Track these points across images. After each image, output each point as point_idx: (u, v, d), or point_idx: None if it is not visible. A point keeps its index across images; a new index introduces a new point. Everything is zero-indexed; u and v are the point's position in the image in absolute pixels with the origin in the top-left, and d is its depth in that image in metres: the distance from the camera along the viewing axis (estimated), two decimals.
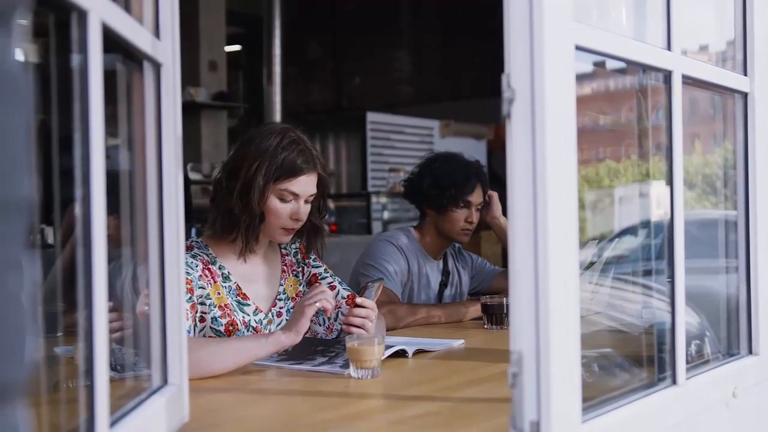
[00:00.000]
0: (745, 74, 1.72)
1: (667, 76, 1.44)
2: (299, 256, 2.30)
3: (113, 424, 1.04)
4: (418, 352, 2.09)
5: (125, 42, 1.12)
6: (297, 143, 2.08)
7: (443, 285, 3.02)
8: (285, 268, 2.26)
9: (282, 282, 2.23)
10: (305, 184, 2.09)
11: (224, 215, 2.09)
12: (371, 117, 7.88)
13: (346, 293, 2.27)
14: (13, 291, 0.52)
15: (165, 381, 1.31)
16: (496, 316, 2.56)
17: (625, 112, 1.90)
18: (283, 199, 2.08)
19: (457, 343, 2.26)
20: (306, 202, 2.11)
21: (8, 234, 0.51)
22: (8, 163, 0.51)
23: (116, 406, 1.09)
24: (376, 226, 7.18)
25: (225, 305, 2.07)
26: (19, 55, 0.54)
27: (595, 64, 1.38)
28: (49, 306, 1.44)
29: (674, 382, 1.43)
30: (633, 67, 1.52)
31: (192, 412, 1.39)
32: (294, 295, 2.25)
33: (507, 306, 2.56)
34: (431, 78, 9.24)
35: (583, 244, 1.21)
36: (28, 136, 0.54)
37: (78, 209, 0.96)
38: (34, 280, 0.54)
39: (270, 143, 2.05)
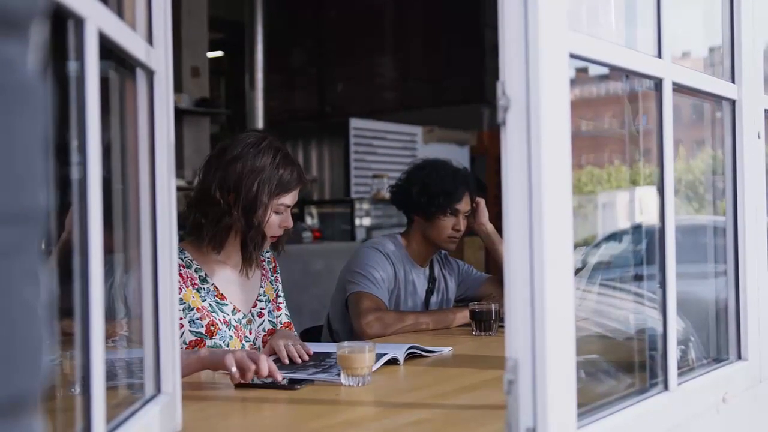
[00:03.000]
0: (733, 81, 1.74)
1: (658, 83, 1.45)
2: (270, 267, 2.40)
3: None
4: (410, 356, 2.09)
5: (120, 49, 1.11)
6: (288, 158, 2.20)
7: (429, 292, 3.02)
8: (264, 272, 2.36)
9: (262, 284, 2.33)
10: (295, 196, 2.23)
11: (223, 231, 2.14)
12: (354, 123, 7.86)
13: (285, 319, 2.38)
14: (30, 302, 0.51)
15: (158, 390, 1.30)
16: (485, 322, 2.56)
17: (608, 118, 1.91)
18: (278, 212, 2.19)
19: (446, 351, 2.26)
20: (291, 210, 2.24)
21: (25, 244, 0.51)
22: (26, 173, 0.50)
23: (110, 416, 1.08)
24: (360, 233, 7.17)
25: (202, 307, 2.13)
26: (35, 65, 0.54)
27: (578, 69, 1.37)
28: None
29: (666, 387, 1.44)
30: (617, 73, 1.52)
31: (185, 421, 1.38)
32: (271, 300, 2.35)
33: (495, 312, 2.56)
34: (414, 84, 9.25)
35: None
36: (44, 146, 0.53)
37: (74, 217, 0.95)
38: (48, 290, 0.53)
39: (265, 161, 2.15)
